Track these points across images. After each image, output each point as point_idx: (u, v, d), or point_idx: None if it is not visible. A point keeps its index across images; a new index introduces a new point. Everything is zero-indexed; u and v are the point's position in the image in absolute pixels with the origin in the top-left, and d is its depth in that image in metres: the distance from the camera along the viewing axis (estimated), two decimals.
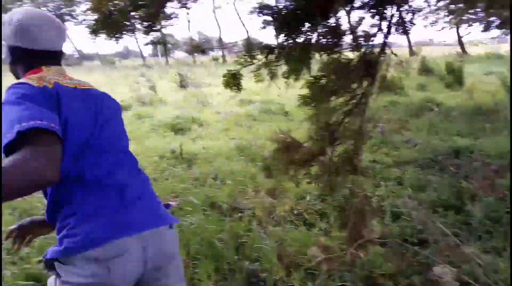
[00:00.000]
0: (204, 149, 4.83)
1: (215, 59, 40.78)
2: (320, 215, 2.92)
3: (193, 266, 2.30)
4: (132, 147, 4.07)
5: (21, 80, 0.99)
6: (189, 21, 43.09)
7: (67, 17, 54.71)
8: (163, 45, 47.53)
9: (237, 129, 6.14)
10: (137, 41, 48.52)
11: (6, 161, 0.75)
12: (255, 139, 5.35)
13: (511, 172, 2.11)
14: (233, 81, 2.51)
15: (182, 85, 11.91)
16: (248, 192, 3.44)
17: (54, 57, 1.16)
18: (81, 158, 1.01)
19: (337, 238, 2.43)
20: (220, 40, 44.85)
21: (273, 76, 2.43)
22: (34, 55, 1.10)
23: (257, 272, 2.22)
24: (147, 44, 49.76)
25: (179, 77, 12.14)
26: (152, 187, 1.16)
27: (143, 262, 1.02)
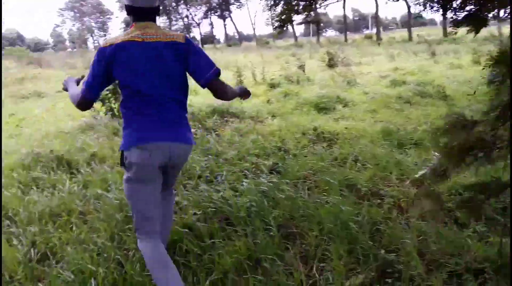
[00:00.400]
0: (346, 129, 4.69)
1: (368, 37, 38.69)
2: None
3: (325, 244, 2.28)
4: (277, 123, 4.24)
5: (105, 41, 1.79)
6: None
7: (232, 1, 59.90)
8: (316, 24, 47.51)
9: (385, 111, 5.73)
10: (291, 21, 49.69)
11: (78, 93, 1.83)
12: (405, 123, 4.91)
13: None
14: None
15: (331, 64, 11.74)
16: (391, 179, 3.20)
17: (146, 12, 1.78)
18: (135, 96, 1.75)
19: (496, 244, 2.05)
20: (376, 16, 42.13)
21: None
22: (133, 10, 1.77)
23: (393, 262, 2.06)
24: (299, 23, 50.57)
25: (328, 56, 11.98)
26: (187, 120, 1.93)
27: (169, 157, 1.78)
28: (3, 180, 3.45)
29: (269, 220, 2.52)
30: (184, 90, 1.85)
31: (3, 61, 27.16)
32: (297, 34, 55.75)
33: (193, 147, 2.03)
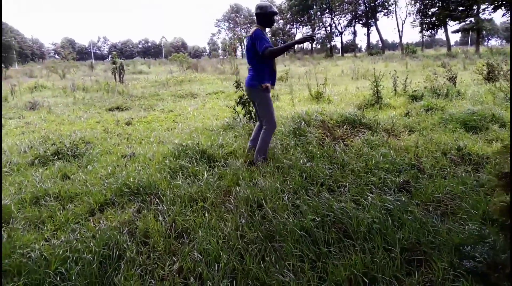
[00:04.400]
0: (499, 154, 4.02)
1: None
2: None
3: (455, 278, 2.03)
4: (413, 138, 3.93)
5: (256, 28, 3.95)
6: None
7: (379, 8, 57.72)
8: (476, 32, 41.87)
9: None
10: (446, 28, 44.97)
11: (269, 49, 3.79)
12: None
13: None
14: None
15: (489, 77, 10.21)
16: None
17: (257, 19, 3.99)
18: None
19: None
20: None
21: None
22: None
23: None
24: (456, 31, 45.35)
25: (487, 67, 10.45)
26: (253, 73, 4.00)
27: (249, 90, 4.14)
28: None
29: (392, 241, 2.38)
30: (252, 58, 3.90)
31: (169, 66, 32.08)
32: (452, 43, 50.18)
33: (253, 89, 3.99)
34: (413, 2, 46.36)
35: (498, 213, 1.92)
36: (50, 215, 3.11)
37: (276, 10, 3.99)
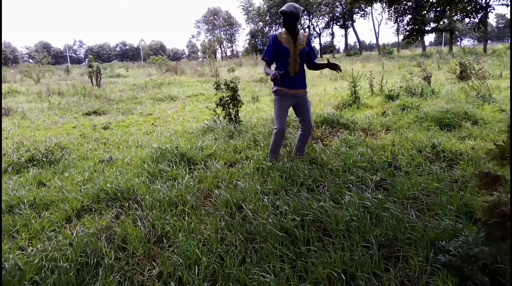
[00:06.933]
0: (472, 150, 4.16)
1: None
2: None
3: (431, 272, 2.09)
4: (390, 137, 4.01)
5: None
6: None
7: (356, 10, 58.67)
8: (449, 33, 43.09)
9: None
10: (424, 32, 45.98)
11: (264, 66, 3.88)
12: None
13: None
14: None
15: (462, 76, 10.54)
16: None
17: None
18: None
19: None
20: None
21: None
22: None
23: None
24: (429, 32, 46.52)
25: (460, 67, 10.78)
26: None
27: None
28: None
29: (370, 238, 2.42)
30: None
31: (148, 69, 31.69)
32: (426, 43, 51.57)
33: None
34: (386, 10, 47.39)
35: (481, 213, 1.98)
36: (24, 224, 3.02)
37: (284, 9, 3.68)
